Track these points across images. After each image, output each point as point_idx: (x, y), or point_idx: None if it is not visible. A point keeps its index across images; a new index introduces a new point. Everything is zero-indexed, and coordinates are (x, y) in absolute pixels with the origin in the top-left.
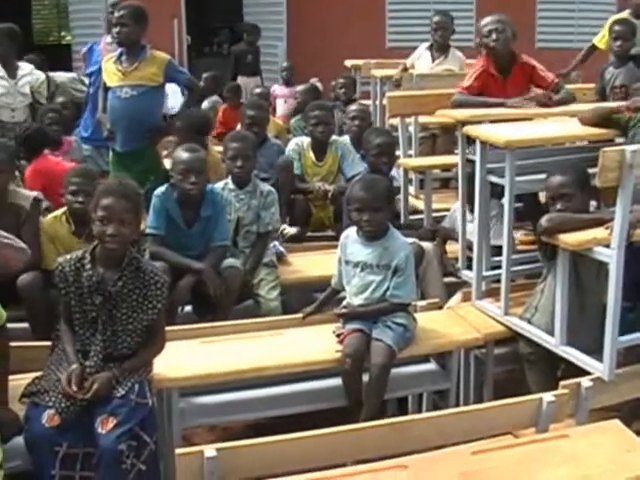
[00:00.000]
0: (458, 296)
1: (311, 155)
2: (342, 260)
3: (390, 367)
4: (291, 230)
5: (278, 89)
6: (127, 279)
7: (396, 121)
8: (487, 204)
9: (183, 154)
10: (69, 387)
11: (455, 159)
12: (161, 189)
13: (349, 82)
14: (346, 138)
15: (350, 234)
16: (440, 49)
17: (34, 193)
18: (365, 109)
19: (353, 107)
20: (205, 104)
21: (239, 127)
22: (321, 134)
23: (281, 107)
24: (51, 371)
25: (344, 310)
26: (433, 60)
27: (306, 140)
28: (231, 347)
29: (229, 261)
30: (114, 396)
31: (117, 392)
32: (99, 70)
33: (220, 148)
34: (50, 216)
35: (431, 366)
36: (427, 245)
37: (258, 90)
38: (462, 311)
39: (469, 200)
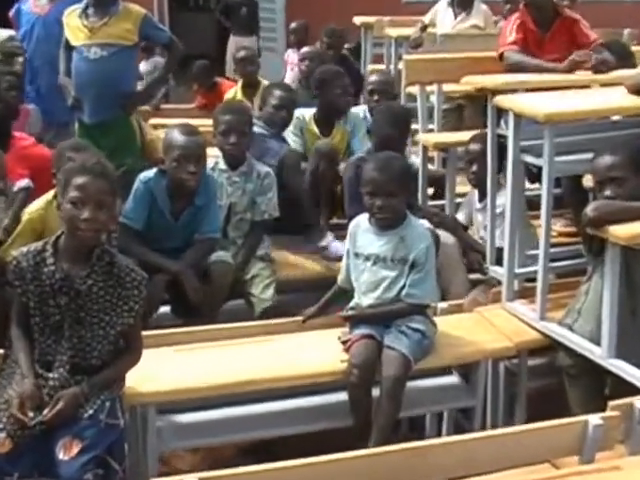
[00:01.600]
0: (475, 293)
1: (315, 130)
2: (350, 252)
3: (405, 380)
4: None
5: (292, 55)
6: (98, 276)
7: (414, 89)
8: (521, 188)
9: (179, 137)
10: (21, 412)
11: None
12: (148, 174)
13: (335, 41)
14: (359, 110)
15: (361, 222)
16: (462, 3)
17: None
18: (388, 79)
19: (373, 78)
20: (143, 66)
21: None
22: (345, 102)
23: (289, 76)
24: (1, 387)
25: (351, 312)
26: (455, 17)
27: (308, 112)
28: (218, 356)
29: (218, 254)
30: (80, 416)
31: (84, 411)
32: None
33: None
34: (41, 200)
35: (453, 379)
36: (447, 236)
37: (242, 54)
38: (490, 315)
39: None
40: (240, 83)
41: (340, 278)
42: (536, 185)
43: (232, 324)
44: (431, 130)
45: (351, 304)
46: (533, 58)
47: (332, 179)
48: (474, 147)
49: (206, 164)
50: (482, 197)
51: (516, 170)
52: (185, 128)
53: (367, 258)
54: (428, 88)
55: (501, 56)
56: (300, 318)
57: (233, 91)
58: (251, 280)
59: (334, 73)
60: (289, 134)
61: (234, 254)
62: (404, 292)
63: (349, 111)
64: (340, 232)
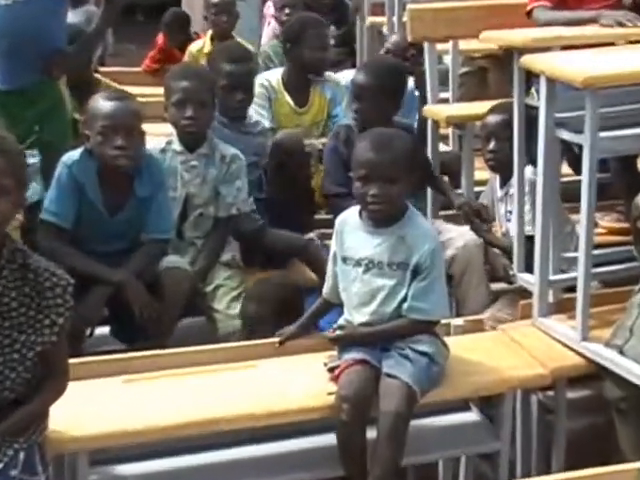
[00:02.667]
0: (499, 307)
1: (287, 98)
2: (337, 256)
3: (409, 417)
4: None
5: (272, 7)
6: (8, 282)
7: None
8: (556, 172)
9: (103, 103)
10: None
11: (509, 101)
12: (72, 155)
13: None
14: (341, 74)
15: (348, 218)
16: None
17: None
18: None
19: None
20: (72, 17)
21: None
22: (320, 60)
23: (266, 33)
24: None
25: (340, 332)
26: None
27: (274, 76)
28: (170, 389)
29: (171, 260)
30: None
31: None
32: None
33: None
34: None
35: (472, 416)
36: (470, 235)
37: None
38: (518, 334)
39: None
40: (209, 35)
41: (325, 289)
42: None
43: (189, 348)
44: (444, 100)
45: (340, 321)
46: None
47: (304, 178)
48: (493, 119)
49: (143, 140)
50: (504, 183)
51: (549, 149)
52: (112, 93)
53: (358, 263)
54: (441, 46)
55: (530, 13)
56: (276, 340)
57: (199, 45)
58: (214, 292)
59: (310, 21)
60: (254, 108)
61: (192, 259)
62: (406, 305)
63: (327, 74)
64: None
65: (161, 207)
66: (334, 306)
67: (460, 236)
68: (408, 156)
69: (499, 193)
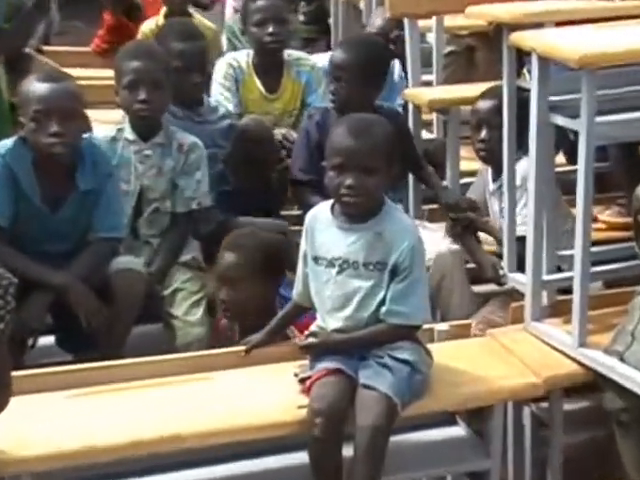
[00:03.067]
0: (488, 310)
1: (256, 82)
2: (308, 256)
3: (388, 432)
4: None
5: None
6: None
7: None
8: (550, 160)
9: (37, 86)
10: None
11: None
12: (5, 144)
13: None
14: (316, 57)
15: (319, 214)
16: None
17: None
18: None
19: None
20: None
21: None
22: (271, 43)
23: (227, 5)
24: None
25: (312, 339)
26: None
27: (244, 57)
28: (123, 404)
29: (124, 260)
30: None
31: None
32: None
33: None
34: None
35: (459, 431)
36: (437, 241)
37: None
38: (509, 340)
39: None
40: (163, 12)
41: (295, 291)
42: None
43: (144, 359)
44: (428, 83)
45: (312, 327)
46: None
47: (273, 167)
48: (484, 105)
49: (85, 126)
50: (497, 175)
51: (543, 136)
52: (46, 74)
53: (331, 263)
54: (423, 23)
55: None
56: (242, 348)
57: (151, 24)
58: (172, 296)
59: None
60: (218, 89)
61: (148, 260)
62: (384, 309)
63: (302, 56)
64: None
65: (110, 202)
66: (306, 310)
67: (432, 246)
68: (389, 144)
69: (491, 187)
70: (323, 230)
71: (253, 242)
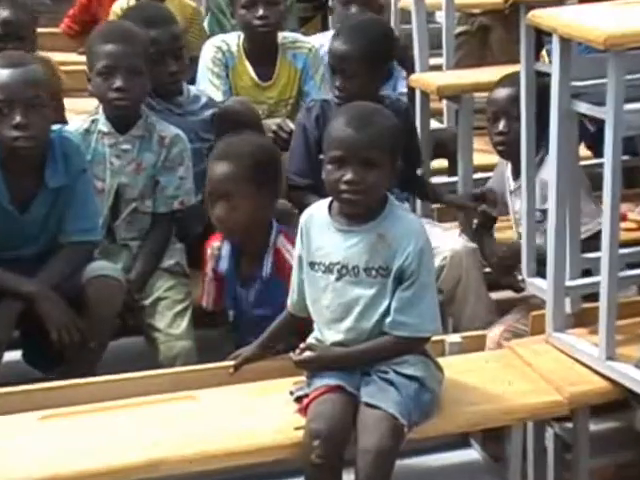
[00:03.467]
0: (511, 319)
1: (248, 69)
2: (303, 261)
3: (395, 455)
4: None
5: None
6: None
7: (409, 1)
8: (572, 153)
9: None
10: None
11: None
12: None
13: None
14: (314, 39)
15: (316, 214)
16: None
17: None
18: None
19: None
20: None
21: None
22: (262, 27)
23: None
24: None
25: (309, 353)
26: None
27: (235, 40)
28: (98, 426)
29: (99, 266)
30: None
31: None
32: None
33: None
34: None
35: (473, 455)
36: (452, 237)
37: None
38: (529, 352)
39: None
40: None
41: (290, 301)
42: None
43: (122, 376)
44: (437, 68)
45: (309, 340)
46: None
47: None
48: (501, 94)
49: (56, 116)
50: (518, 172)
51: (564, 126)
52: (7, 58)
53: (329, 269)
54: (431, 0)
55: None
56: (230, 363)
57: (123, 1)
58: (154, 306)
59: None
60: (206, 75)
61: (126, 266)
62: (388, 320)
63: (298, 38)
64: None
65: (84, 201)
66: (301, 321)
67: (447, 243)
68: (393, 136)
69: (512, 185)
70: (320, 232)
71: (244, 148)
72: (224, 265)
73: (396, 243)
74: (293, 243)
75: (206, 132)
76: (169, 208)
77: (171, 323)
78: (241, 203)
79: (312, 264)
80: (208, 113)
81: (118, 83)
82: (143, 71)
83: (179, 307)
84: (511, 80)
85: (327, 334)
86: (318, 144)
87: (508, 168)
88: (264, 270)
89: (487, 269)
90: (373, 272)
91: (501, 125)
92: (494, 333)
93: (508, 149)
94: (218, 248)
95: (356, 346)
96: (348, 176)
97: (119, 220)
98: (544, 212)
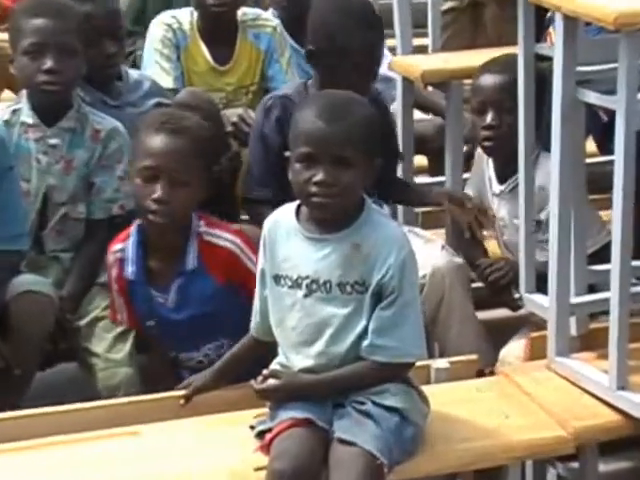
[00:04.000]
0: (516, 346)
1: (203, 50)
2: (267, 275)
3: None
4: None
5: None
6: None
7: None
8: (579, 150)
9: None
10: None
11: (513, 55)
12: None
13: None
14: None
15: (282, 220)
16: None
17: None
18: None
19: None
20: None
21: None
22: (216, 6)
23: None
24: None
25: (272, 381)
26: None
27: (187, 16)
28: (29, 467)
29: (27, 280)
30: None
31: None
32: None
33: None
34: None
35: None
36: (434, 250)
37: None
38: (527, 380)
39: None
40: None
41: (253, 323)
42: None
43: (52, 408)
44: (421, 49)
45: (273, 366)
46: None
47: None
48: (490, 81)
49: None
50: (505, 172)
51: (570, 118)
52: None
53: (296, 284)
54: None
55: None
56: (180, 393)
57: None
58: (90, 327)
59: None
60: (153, 58)
61: (57, 280)
62: (366, 343)
63: (259, 14)
64: None
65: (10, 204)
66: (266, 346)
67: (428, 257)
68: (370, 129)
69: (497, 187)
70: (286, 241)
71: (192, 121)
72: (131, 269)
73: (374, 254)
74: (216, 227)
75: None
76: (106, 213)
77: (111, 347)
78: (191, 182)
79: (277, 278)
80: (151, 103)
81: (48, 64)
82: (77, 50)
83: (120, 328)
84: (501, 64)
85: (294, 359)
86: (280, 151)
87: (490, 167)
88: (188, 262)
89: (477, 283)
90: (348, 288)
91: (489, 117)
92: (518, 347)
93: (497, 146)
94: (121, 250)
95: (328, 373)
96: (319, 176)
97: (48, 228)
98: (538, 223)
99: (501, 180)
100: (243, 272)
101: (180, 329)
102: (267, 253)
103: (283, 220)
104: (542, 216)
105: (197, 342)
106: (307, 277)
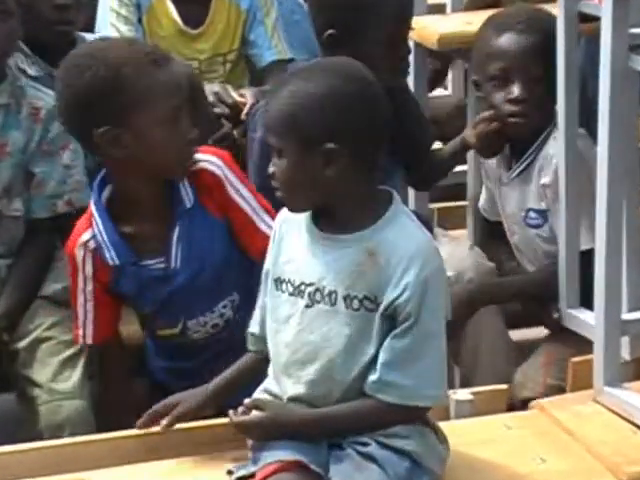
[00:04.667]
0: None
1: (170, 9)
2: (269, 277)
3: None
4: None
5: None
6: None
7: None
8: (630, 133)
9: None
10: None
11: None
12: None
13: None
14: None
15: (291, 217)
16: None
17: None
18: None
19: None
20: None
21: None
22: None
23: None
24: None
25: (256, 413)
26: None
27: None
28: None
29: None
30: None
31: None
32: None
33: None
34: None
35: None
36: (460, 252)
37: None
38: (569, 415)
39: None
40: None
41: (251, 336)
42: None
43: None
44: (439, 8)
45: (257, 393)
46: None
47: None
48: (513, 41)
49: None
50: (517, 155)
51: (620, 92)
52: None
53: (299, 291)
54: None
55: None
56: (137, 432)
57: None
58: (31, 350)
59: None
60: (106, 20)
61: None
62: (373, 377)
63: None
64: None
65: None
66: (266, 366)
67: (452, 257)
68: (364, 107)
69: (504, 175)
70: (294, 239)
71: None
72: (113, 252)
73: (392, 266)
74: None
75: None
76: (50, 211)
77: (56, 375)
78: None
79: (278, 281)
80: None
81: None
82: (12, 11)
83: (69, 352)
84: (525, 20)
85: (284, 384)
86: None
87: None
88: (184, 200)
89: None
90: (355, 302)
91: (516, 89)
92: (535, 367)
93: (525, 123)
94: (92, 238)
95: (322, 409)
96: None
97: None
98: (543, 214)
99: (508, 165)
100: (229, 202)
101: (189, 292)
102: (273, 251)
103: (292, 217)
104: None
105: (210, 301)
106: (311, 284)
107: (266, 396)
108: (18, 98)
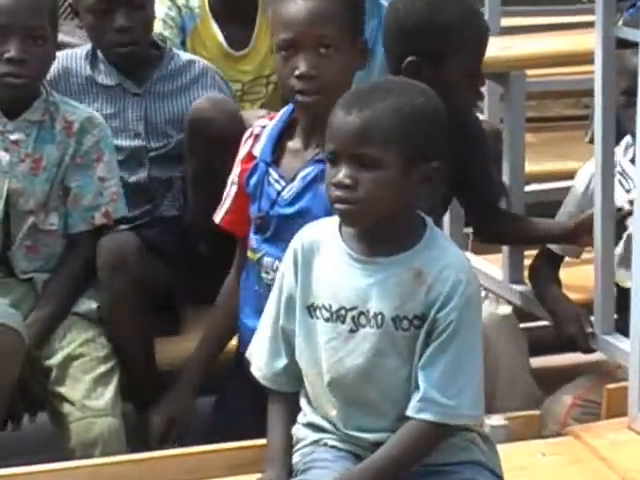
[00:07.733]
0: (578, 390)
1: (215, 31)
2: (297, 302)
3: None
4: None
5: None
6: None
7: None
8: None
9: None
10: None
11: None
12: None
13: None
14: None
15: (322, 236)
16: None
17: None
18: None
19: None
20: None
21: None
22: None
23: None
24: None
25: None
26: None
27: None
28: None
29: None
30: None
31: None
32: None
33: None
34: None
35: None
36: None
37: None
38: (603, 442)
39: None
40: None
41: (259, 371)
42: None
43: (22, 469)
44: None
45: (296, 429)
46: None
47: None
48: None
49: None
50: None
51: None
52: None
53: (338, 316)
54: None
55: None
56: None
57: None
58: (63, 368)
59: None
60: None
61: (30, 309)
62: (418, 396)
63: None
64: None
65: None
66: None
67: None
68: (418, 123)
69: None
70: (326, 263)
71: None
72: (263, 145)
73: (439, 285)
74: None
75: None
76: (88, 225)
77: (90, 392)
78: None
79: (312, 308)
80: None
81: (11, 52)
82: (47, 35)
83: (102, 369)
84: None
85: (327, 408)
86: None
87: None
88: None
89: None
90: (405, 323)
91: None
92: (560, 405)
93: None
94: (262, 126)
95: (375, 454)
96: (338, 177)
97: (15, 244)
98: None
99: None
100: None
101: (283, 225)
102: (298, 276)
103: (323, 238)
104: None
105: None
106: (353, 308)
107: (309, 431)
108: (52, 114)
